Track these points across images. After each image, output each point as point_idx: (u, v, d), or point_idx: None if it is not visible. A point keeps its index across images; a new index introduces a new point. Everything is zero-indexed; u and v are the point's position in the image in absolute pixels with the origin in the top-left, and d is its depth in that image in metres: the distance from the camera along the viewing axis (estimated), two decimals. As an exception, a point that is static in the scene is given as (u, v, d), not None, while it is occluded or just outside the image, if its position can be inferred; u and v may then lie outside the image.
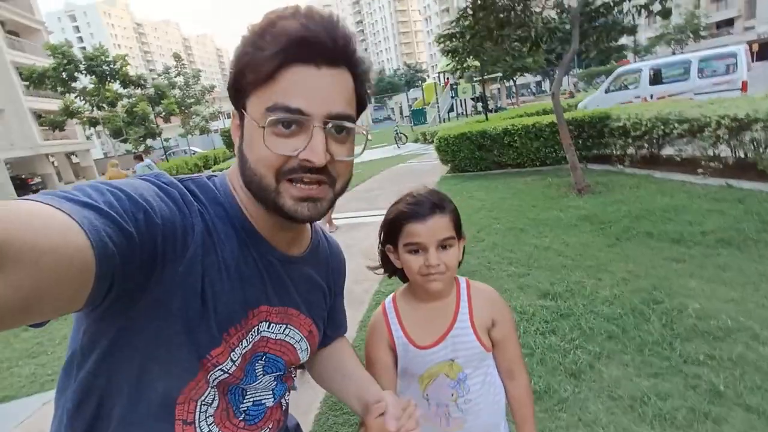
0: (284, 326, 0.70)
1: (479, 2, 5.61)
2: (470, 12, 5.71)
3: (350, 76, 0.59)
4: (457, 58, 6.50)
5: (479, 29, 5.81)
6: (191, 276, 0.56)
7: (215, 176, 0.67)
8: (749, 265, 3.07)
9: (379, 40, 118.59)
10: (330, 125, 0.56)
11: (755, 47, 32.05)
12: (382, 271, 0.99)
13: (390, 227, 0.91)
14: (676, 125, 5.65)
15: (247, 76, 0.56)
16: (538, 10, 5.99)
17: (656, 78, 10.15)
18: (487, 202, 6.03)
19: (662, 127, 5.87)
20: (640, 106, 7.08)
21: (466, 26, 5.85)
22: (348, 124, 0.58)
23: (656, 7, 5.74)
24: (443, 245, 0.87)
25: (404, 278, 0.98)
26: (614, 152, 6.99)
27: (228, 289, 0.60)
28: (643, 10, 5.76)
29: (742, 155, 5.19)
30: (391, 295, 1.02)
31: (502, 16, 5.76)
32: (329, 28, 0.55)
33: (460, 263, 0.94)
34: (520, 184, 6.80)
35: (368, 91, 0.63)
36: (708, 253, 3.38)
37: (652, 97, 9.63)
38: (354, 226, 6.01)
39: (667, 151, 6.34)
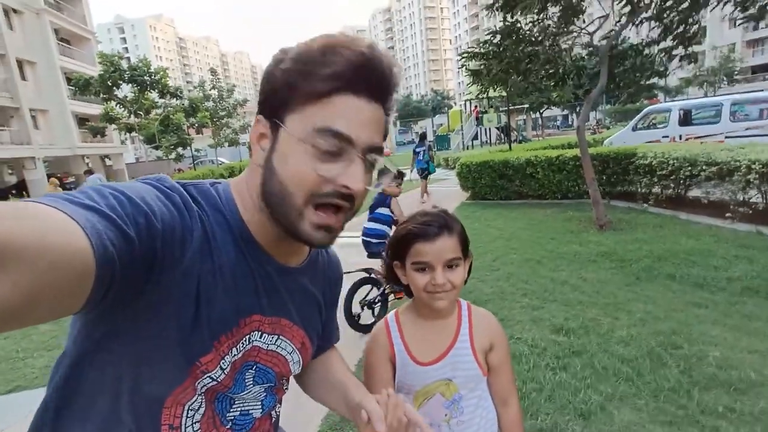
0: (276, 337, 0.69)
1: (506, 30, 5.70)
2: (498, 37, 5.80)
3: (383, 111, 0.62)
4: (480, 82, 6.54)
5: (503, 56, 5.89)
6: (187, 281, 0.56)
7: (218, 183, 0.67)
8: (777, 317, 2.94)
9: (408, 66, 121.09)
10: (368, 156, 0.59)
11: (792, 94, 31.21)
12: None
13: (399, 245, 0.94)
14: (705, 167, 5.54)
15: (295, 91, 0.56)
16: (566, 46, 6.05)
17: (686, 119, 10.01)
18: (505, 232, 5.97)
19: (690, 168, 5.76)
20: (668, 146, 6.98)
21: (491, 50, 5.93)
22: (379, 158, 0.61)
23: (680, 51, 5.71)
24: (449, 265, 0.90)
25: (409, 293, 1.00)
26: (639, 190, 6.87)
27: (222, 296, 0.60)
28: (669, 55, 5.75)
29: (774, 202, 5.03)
30: (395, 311, 1.04)
31: (529, 49, 5.83)
32: (388, 67, 0.59)
33: (465, 281, 0.96)
34: (540, 216, 6.73)
35: (388, 126, 0.67)
36: (733, 300, 3.25)
37: (681, 137, 9.48)
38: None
39: (694, 192, 6.19)
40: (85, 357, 0.59)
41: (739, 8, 4.84)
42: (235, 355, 0.63)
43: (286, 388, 0.80)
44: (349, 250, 5.52)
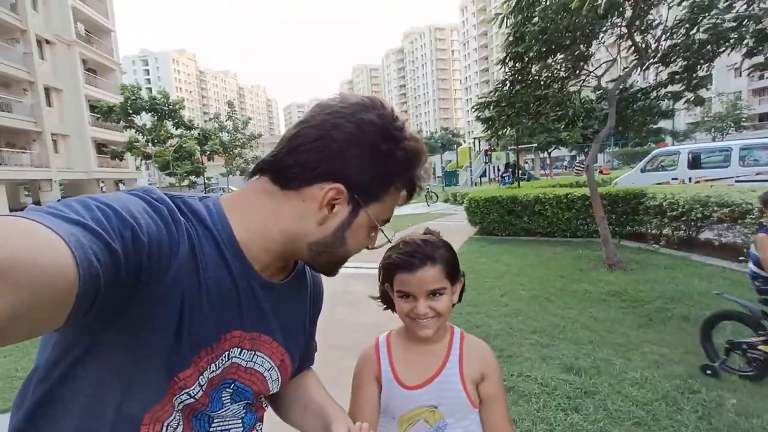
0: (253, 353, 0.68)
1: (518, 76, 5.88)
2: (508, 83, 5.97)
3: None
4: (492, 128, 6.69)
5: (515, 101, 6.05)
6: (171, 295, 0.55)
7: (207, 197, 0.67)
8: (798, 364, 2.82)
9: (419, 104, 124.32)
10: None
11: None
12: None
13: (384, 271, 0.97)
14: (716, 208, 5.50)
15: (390, 183, 0.66)
16: (575, 89, 6.20)
17: (695, 162, 10.05)
18: (513, 267, 5.90)
19: (701, 209, 5.73)
20: (678, 187, 6.98)
21: (503, 96, 6.10)
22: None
23: (687, 95, 5.83)
24: (433, 293, 0.90)
25: None
26: (649, 231, 6.81)
27: (206, 311, 0.59)
28: (677, 97, 5.87)
29: (788, 247, 4.94)
30: (387, 332, 1.04)
31: (539, 92, 5.99)
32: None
33: (455, 304, 0.96)
34: (549, 253, 6.66)
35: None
36: (750, 345, 3.14)
37: (690, 180, 9.49)
38: (375, 276, 5.97)
39: (706, 234, 6.12)
40: (62, 374, 0.56)
41: (746, 56, 4.96)
42: (213, 371, 0.62)
43: (266, 406, 0.78)
44: (352, 281, 5.48)
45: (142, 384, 0.57)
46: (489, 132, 7.16)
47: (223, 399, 0.66)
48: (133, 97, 24.61)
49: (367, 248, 0.71)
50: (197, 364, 0.59)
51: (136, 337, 0.54)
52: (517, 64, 5.71)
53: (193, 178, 28.66)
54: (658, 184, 8.74)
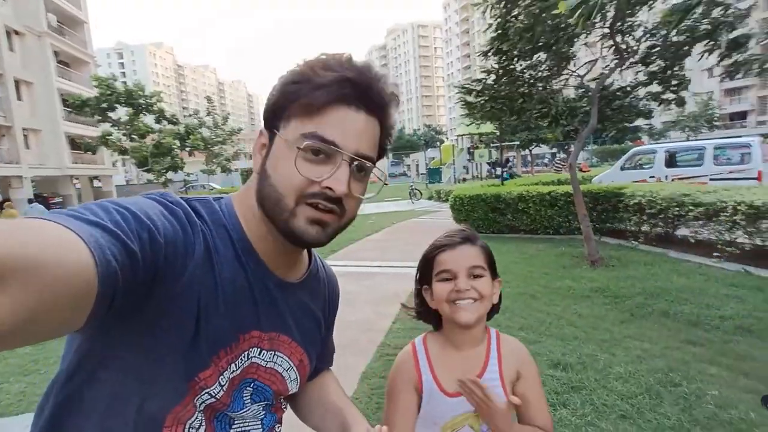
0: (273, 353, 0.69)
1: (501, 71, 5.94)
2: (494, 75, 6.02)
3: (379, 127, 0.65)
4: (474, 115, 6.74)
5: (499, 94, 6.12)
6: (189, 295, 0.56)
7: (221, 198, 0.68)
8: (771, 356, 2.95)
9: (402, 100, 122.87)
10: (355, 163, 0.61)
11: (769, 141, 32.70)
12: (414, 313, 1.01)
13: (425, 263, 0.95)
14: (692, 207, 5.69)
15: (293, 104, 0.60)
16: (558, 88, 6.31)
17: (671, 160, 10.36)
18: (499, 265, 5.86)
19: (677, 207, 5.91)
20: (656, 185, 7.18)
21: (487, 87, 6.16)
22: (369, 165, 0.64)
23: (669, 95, 6.00)
24: (473, 273, 0.89)
25: (437, 325, 0.98)
26: (628, 228, 7.00)
27: (223, 310, 0.60)
28: (659, 100, 6.03)
29: (759, 242, 5.15)
30: (421, 336, 1.01)
31: (523, 90, 6.07)
32: (379, 80, 0.62)
33: (497, 309, 0.96)
34: (532, 250, 6.78)
35: (387, 146, 0.69)
36: (727, 339, 3.26)
37: (667, 178, 9.78)
38: (365, 275, 5.98)
39: (683, 231, 6.32)
40: (84, 377, 0.58)
41: (720, 59, 5.12)
42: (233, 371, 0.63)
43: (285, 407, 0.79)
44: (342, 280, 5.48)
45: (162, 385, 0.58)
46: (471, 118, 7.23)
47: (244, 399, 0.67)
48: (108, 91, 23.72)
49: (329, 193, 0.59)
50: (217, 364, 0.60)
51: (154, 337, 0.55)
52: (502, 59, 5.76)
53: (171, 174, 27.97)
54: (636, 182, 8.97)
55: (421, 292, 0.97)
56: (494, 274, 0.94)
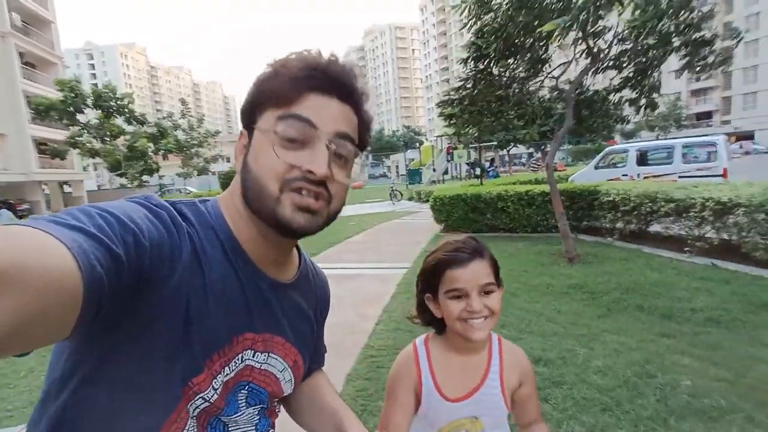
0: (267, 354, 0.68)
1: (479, 76, 6.03)
2: (472, 81, 6.11)
3: (356, 116, 0.66)
4: (455, 125, 6.83)
5: (477, 99, 6.21)
6: (177, 299, 0.55)
7: (207, 200, 0.68)
8: (739, 346, 3.08)
9: (381, 102, 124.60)
10: (334, 146, 0.61)
11: (732, 139, 34.25)
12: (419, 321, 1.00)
13: (430, 275, 0.91)
14: (663, 204, 5.89)
15: (267, 99, 0.61)
16: (534, 88, 6.44)
17: (642, 159, 10.71)
18: (480, 264, 6.04)
19: (650, 204, 6.11)
20: (629, 183, 7.41)
21: (466, 94, 6.25)
22: (350, 146, 0.64)
23: (643, 101, 6.21)
24: (485, 291, 0.87)
25: (440, 330, 0.97)
26: (604, 225, 7.19)
27: (213, 313, 0.59)
28: (636, 106, 6.24)
29: (726, 237, 5.37)
30: (422, 338, 0.99)
31: (500, 92, 6.17)
32: (349, 71, 0.64)
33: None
34: (512, 249, 6.89)
35: (368, 137, 0.70)
36: (698, 330, 3.39)
37: (639, 176, 10.10)
38: (347, 277, 5.96)
39: (655, 227, 6.54)
40: (75, 390, 0.55)
41: (688, 59, 5.33)
42: (227, 374, 0.62)
43: (278, 411, 0.78)
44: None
45: (155, 393, 0.56)
46: (452, 128, 7.33)
47: (239, 402, 0.66)
48: (73, 94, 22.71)
49: (311, 176, 0.59)
50: (210, 368, 0.59)
51: (144, 343, 0.54)
52: (479, 64, 5.85)
53: (145, 178, 27.23)
54: (609, 180, 9.24)
55: (424, 301, 0.95)
56: (500, 281, 0.92)
